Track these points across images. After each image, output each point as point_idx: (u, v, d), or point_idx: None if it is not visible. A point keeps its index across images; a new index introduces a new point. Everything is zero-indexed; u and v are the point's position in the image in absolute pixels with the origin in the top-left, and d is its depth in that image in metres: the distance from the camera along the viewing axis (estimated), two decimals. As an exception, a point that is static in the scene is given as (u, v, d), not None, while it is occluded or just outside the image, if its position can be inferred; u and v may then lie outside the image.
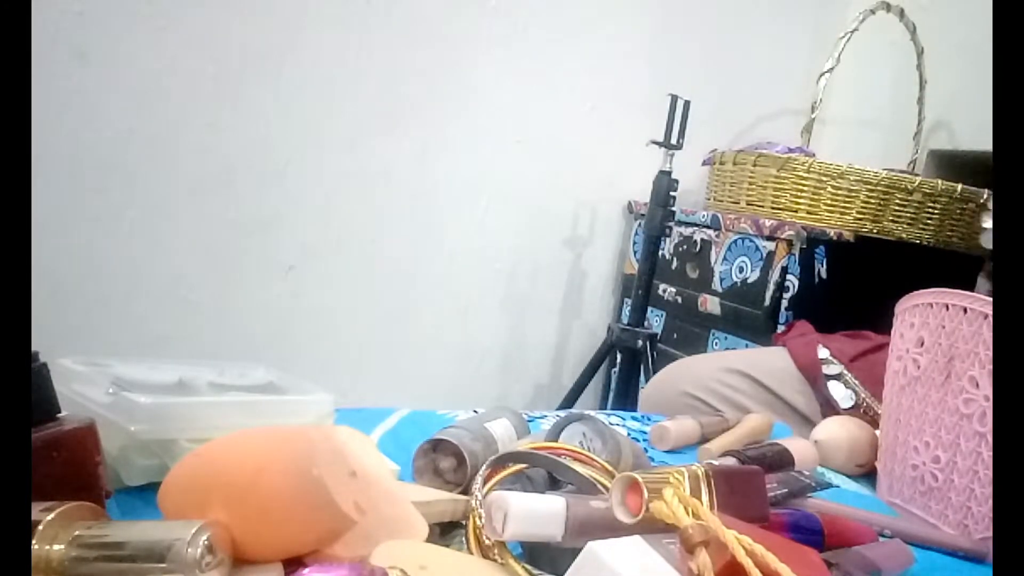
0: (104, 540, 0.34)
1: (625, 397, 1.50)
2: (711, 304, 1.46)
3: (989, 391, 0.60)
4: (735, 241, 1.43)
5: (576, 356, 1.76)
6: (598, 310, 1.80)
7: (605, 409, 1.67)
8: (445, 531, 0.49)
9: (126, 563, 0.33)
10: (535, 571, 0.41)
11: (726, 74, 1.79)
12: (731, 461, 0.64)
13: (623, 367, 1.51)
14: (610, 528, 0.40)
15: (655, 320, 1.64)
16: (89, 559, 0.33)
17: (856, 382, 0.95)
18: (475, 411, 0.74)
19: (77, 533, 0.34)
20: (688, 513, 0.37)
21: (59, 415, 0.41)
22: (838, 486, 0.73)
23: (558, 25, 1.60)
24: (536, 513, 0.40)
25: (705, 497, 0.42)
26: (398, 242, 1.54)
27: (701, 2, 1.74)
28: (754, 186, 1.45)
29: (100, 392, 0.48)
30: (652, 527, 0.39)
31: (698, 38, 1.75)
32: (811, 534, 0.51)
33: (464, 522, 0.46)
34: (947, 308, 0.64)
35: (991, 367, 0.59)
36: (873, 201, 1.35)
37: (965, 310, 0.62)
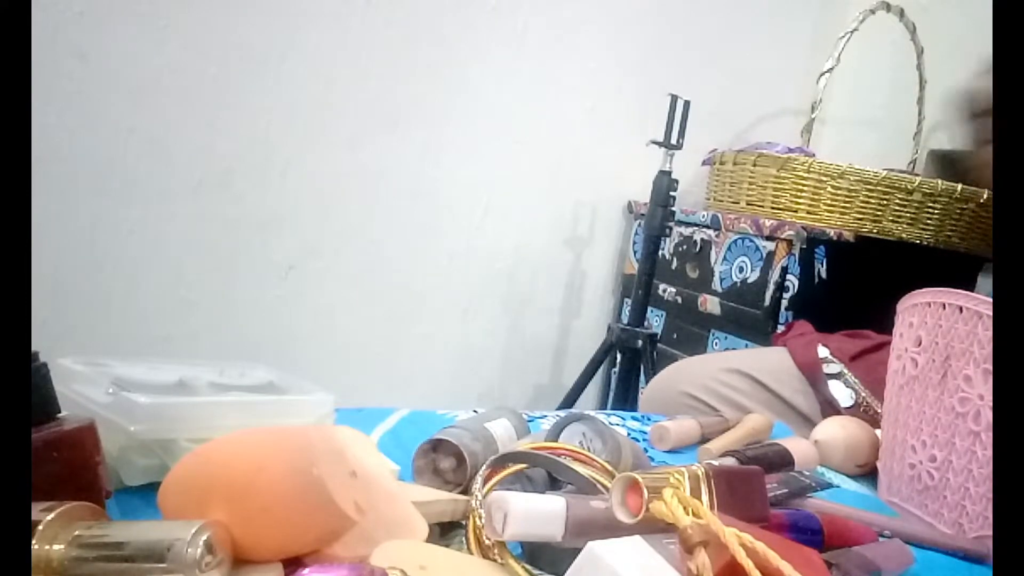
0: (104, 540, 0.34)
1: (625, 397, 1.50)
2: (711, 304, 1.46)
3: (983, 390, 0.60)
4: (735, 241, 1.43)
5: (576, 356, 1.76)
6: (598, 310, 1.80)
7: (605, 409, 1.67)
8: (445, 531, 0.49)
9: (126, 563, 0.33)
10: (535, 571, 0.41)
11: (726, 74, 1.79)
12: (731, 461, 0.64)
13: (623, 367, 1.51)
14: (610, 528, 0.40)
15: (655, 320, 1.64)
16: (89, 559, 0.33)
17: (856, 381, 0.95)
18: (475, 411, 0.74)
19: (77, 533, 0.34)
20: (688, 513, 0.37)
21: (59, 415, 0.41)
22: (838, 486, 0.73)
23: (558, 25, 1.60)
24: (536, 513, 0.40)
25: (705, 497, 0.42)
26: (398, 242, 1.54)
27: (701, 2, 1.74)
28: (754, 186, 1.45)
29: (100, 392, 0.48)
30: (652, 527, 0.39)
31: (698, 38, 1.75)
32: (811, 534, 0.51)
33: (464, 522, 0.46)
34: (944, 307, 0.64)
35: (986, 366, 0.59)
36: (873, 201, 1.35)
37: (961, 309, 0.62)
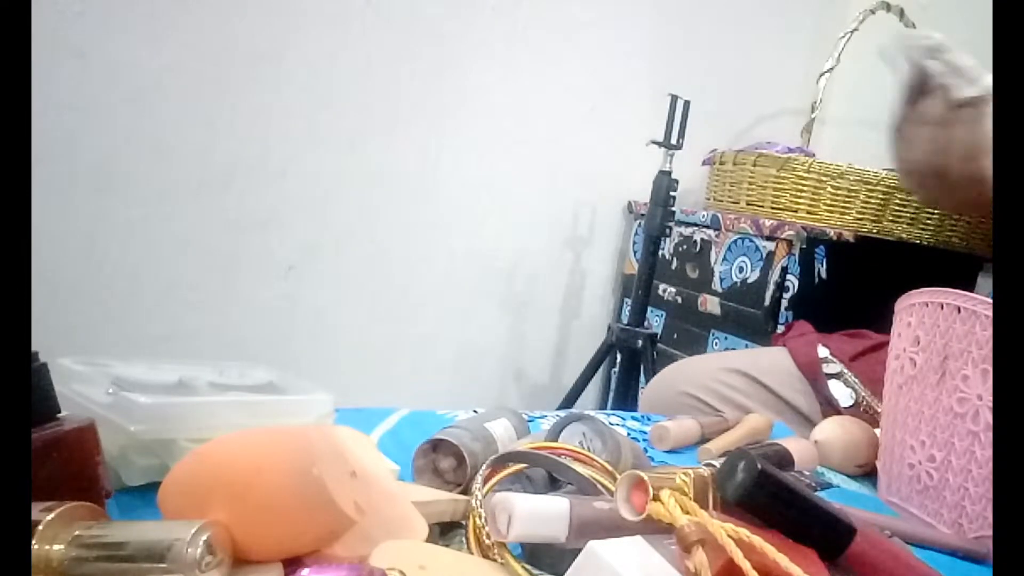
0: (104, 540, 0.34)
1: (625, 397, 1.50)
2: (711, 304, 1.46)
3: (982, 390, 0.60)
4: (735, 241, 1.43)
5: (576, 356, 1.76)
6: (598, 310, 1.80)
7: (605, 409, 1.67)
8: (445, 531, 0.49)
9: (126, 563, 0.33)
10: (535, 571, 0.41)
11: (726, 74, 1.79)
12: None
13: (623, 367, 1.51)
14: (613, 529, 0.40)
15: (655, 320, 1.64)
16: (89, 559, 0.33)
17: (856, 381, 0.95)
18: (475, 411, 0.74)
19: (77, 533, 0.34)
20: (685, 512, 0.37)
21: (59, 415, 0.41)
22: (838, 486, 0.73)
23: (558, 25, 1.60)
24: (540, 514, 0.40)
25: (711, 499, 0.42)
26: (398, 242, 1.54)
27: (701, 2, 1.74)
28: (754, 186, 1.45)
29: (100, 392, 0.48)
30: (655, 527, 0.39)
31: (698, 38, 1.75)
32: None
33: (464, 522, 0.46)
34: (942, 307, 0.64)
35: (984, 366, 0.59)
36: (873, 201, 1.35)
37: (959, 309, 0.62)
